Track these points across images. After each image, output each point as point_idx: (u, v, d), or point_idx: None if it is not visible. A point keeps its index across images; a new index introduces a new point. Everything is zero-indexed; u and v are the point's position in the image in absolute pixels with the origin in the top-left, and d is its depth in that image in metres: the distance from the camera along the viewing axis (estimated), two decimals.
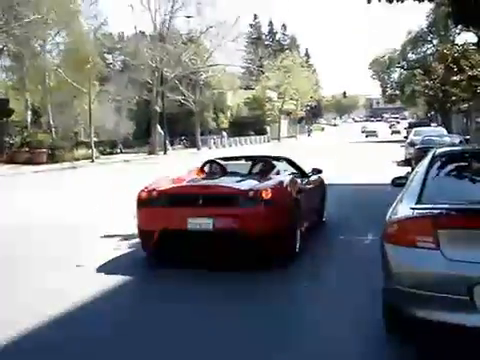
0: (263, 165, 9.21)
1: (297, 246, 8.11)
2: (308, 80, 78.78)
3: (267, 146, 58.11)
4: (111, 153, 45.34)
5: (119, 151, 47.70)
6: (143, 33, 51.93)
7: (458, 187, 5.09)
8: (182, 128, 53.95)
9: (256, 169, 9.12)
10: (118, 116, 49.39)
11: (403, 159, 26.76)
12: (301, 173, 9.90)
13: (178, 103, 51.46)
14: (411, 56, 68.15)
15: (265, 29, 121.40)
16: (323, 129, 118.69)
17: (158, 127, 47.67)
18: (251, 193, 7.51)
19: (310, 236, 9.09)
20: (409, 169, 21.67)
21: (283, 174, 9.05)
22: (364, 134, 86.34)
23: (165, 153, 46.35)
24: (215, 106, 61.54)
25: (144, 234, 7.98)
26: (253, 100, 71.58)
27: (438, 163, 5.53)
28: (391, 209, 4.99)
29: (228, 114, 67.06)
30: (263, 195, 7.47)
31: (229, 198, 7.57)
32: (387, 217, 4.88)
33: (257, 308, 6.02)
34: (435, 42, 64.04)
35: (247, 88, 72.69)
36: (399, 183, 6.56)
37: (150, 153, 45.55)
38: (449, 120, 59.19)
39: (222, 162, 9.60)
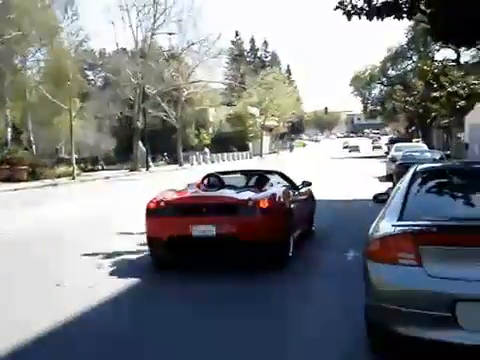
0: (258, 178, 9.94)
1: (290, 251, 8.91)
2: (290, 96, 79.28)
3: (251, 162, 58.16)
4: (92, 170, 45.09)
5: (100, 168, 47.46)
6: (124, 49, 52.04)
7: (439, 203, 5.10)
8: (164, 144, 53.84)
9: (252, 182, 9.97)
10: (99, 132, 49.22)
11: (385, 174, 26.95)
12: (292, 185, 10.66)
13: (160, 119, 51.48)
14: (391, 72, 68.78)
15: (247, 46, 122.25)
16: (305, 145, 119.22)
17: (140, 143, 47.57)
18: (250, 203, 8.28)
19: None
20: (391, 184, 21.85)
21: (277, 186, 9.72)
22: (346, 149, 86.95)
23: (147, 169, 46.20)
24: (197, 122, 61.56)
25: (153, 241, 8.66)
26: (235, 116, 71.71)
27: (419, 179, 5.55)
28: (373, 226, 4.98)
29: (210, 130, 67.09)
30: (261, 205, 8.27)
31: (230, 207, 8.37)
32: (369, 234, 4.87)
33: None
34: (415, 58, 64.72)
35: (229, 104, 72.88)
36: (381, 199, 6.59)
37: (132, 170, 45.39)
38: (430, 135, 59.79)
39: (220, 176, 10.26)
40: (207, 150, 59.98)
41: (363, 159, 54.17)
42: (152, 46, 50.28)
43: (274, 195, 8.78)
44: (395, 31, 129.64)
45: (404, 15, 15.26)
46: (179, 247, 8.45)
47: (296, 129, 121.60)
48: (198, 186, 9.88)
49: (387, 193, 6.71)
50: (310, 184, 11.56)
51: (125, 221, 13.83)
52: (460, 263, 4.15)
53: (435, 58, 55.92)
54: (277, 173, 11.10)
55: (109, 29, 47.84)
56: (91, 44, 64.46)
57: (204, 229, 8.20)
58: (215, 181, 9.98)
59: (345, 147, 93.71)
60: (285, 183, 10.58)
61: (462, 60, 45.82)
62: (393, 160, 24.43)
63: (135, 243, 10.53)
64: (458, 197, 5.29)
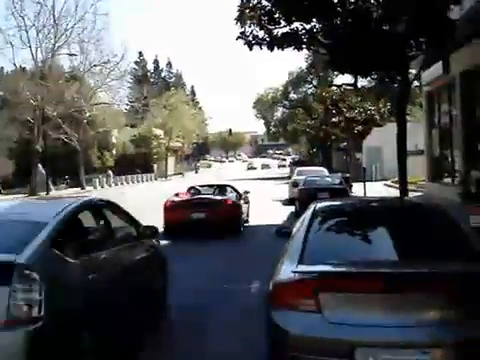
0: (220, 189, 18.83)
1: (242, 226, 16.99)
2: (194, 118, 79.59)
3: (154, 185, 57.59)
4: None
5: None
6: (23, 69, 50.28)
7: (338, 245, 5.19)
8: (66, 167, 52.27)
9: (217, 191, 18.50)
10: None
11: (287, 198, 27.50)
12: (238, 192, 18.77)
13: (61, 141, 50.02)
14: (293, 96, 70.59)
15: (151, 66, 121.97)
16: (210, 166, 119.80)
17: (40, 166, 45.97)
18: (222, 201, 16.54)
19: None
20: (293, 208, 22.32)
21: (231, 193, 18.48)
22: (250, 171, 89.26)
23: (47, 193, 44.65)
24: (100, 144, 60.39)
25: (169, 224, 16.03)
26: (139, 138, 71.04)
27: (318, 219, 5.67)
28: (275, 269, 5.01)
29: (113, 152, 66.04)
30: (227, 202, 16.55)
31: (211, 203, 16.31)
32: (271, 279, 4.88)
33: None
34: (315, 82, 66.85)
35: (133, 126, 72.14)
36: (284, 232, 6.65)
37: (31, 194, 43.71)
38: (330, 157, 61.74)
39: (198, 187, 19.09)
40: (110, 172, 58.91)
41: (265, 181, 54.73)
42: (53, 66, 48.97)
43: (232, 197, 17.49)
44: (296, 55, 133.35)
45: (303, 46, 15.74)
46: (184, 225, 15.64)
47: (201, 150, 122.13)
48: (188, 192, 18.39)
49: (288, 228, 6.78)
50: (249, 192, 20.04)
51: None
52: (358, 309, 4.24)
53: (334, 82, 58.09)
54: (229, 186, 19.63)
55: (7, 48, 46.36)
56: None
57: (198, 215, 15.88)
58: (196, 190, 18.61)
59: (249, 168, 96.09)
60: (234, 191, 18.82)
61: (359, 84, 47.95)
62: (295, 184, 24.95)
63: None
64: (356, 238, 5.45)
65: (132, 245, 6.91)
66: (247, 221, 18.58)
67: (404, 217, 5.74)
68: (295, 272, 4.51)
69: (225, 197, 17.02)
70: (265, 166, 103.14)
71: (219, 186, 19.24)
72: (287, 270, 4.64)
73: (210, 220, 15.55)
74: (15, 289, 4.30)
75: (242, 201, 17.72)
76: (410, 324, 4.13)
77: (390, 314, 4.19)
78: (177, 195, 17.60)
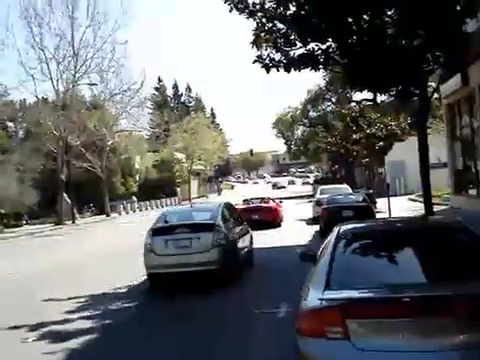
0: (263, 199, 29.19)
1: (281, 222, 27.63)
2: (215, 140, 79.96)
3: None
4: (16, 225, 43.66)
5: (24, 222, 46.05)
6: (46, 100, 51.00)
7: (364, 268, 5.16)
8: (90, 194, 52.77)
9: (262, 200, 28.62)
10: (22, 186, 47.89)
11: (311, 217, 27.44)
12: (275, 201, 29.23)
13: (85, 170, 50.54)
14: (312, 114, 70.61)
15: (170, 91, 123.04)
16: (233, 187, 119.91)
17: (65, 196, 46.49)
18: (269, 207, 27.41)
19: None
20: (317, 227, 22.27)
21: (272, 202, 28.68)
22: (274, 189, 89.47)
23: (73, 222, 45.09)
24: (123, 171, 60.95)
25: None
26: (161, 162, 71.55)
27: (343, 241, 5.66)
28: (302, 295, 5.01)
29: (137, 178, 66.54)
30: (272, 208, 27.53)
31: (264, 209, 26.81)
32: (300, 305, 4.88)
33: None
34: (334, 100, 66.80)
35: (155, 151, 72.72)
36: (309, 255, 6.65)
37: (57, 224, 44.16)
38: (352, 173, 61.48)
39: (249, 200, 28.98)
40: (134, 198, 59.30)
41: (288, 200, 54.51)
42: (74, 97, 49.67)
43: (273, 205, 27.93)
44: (314, 73, 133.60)
45: (320, 66, 15.77)
46: (250, 222, 17.77)
47: (223, 172, 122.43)
48: (244, 203, 28.12)
49: (313, 252, 6.76)
50: (282, 200, 31.69)
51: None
52: (386, 335, 4.22)
53: (353, 98, 57.92)
54: (269, 197, 29.66)
55: (29, 80, 47.14)
56: (11, 95, 63.08)
57: (256, 216, 24.56)
58: (249, 201, 28.39)
59: (277, 187, 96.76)
60: (272, 201, 28.70)
61: (378, 99, 47.54)
62: (319, 203, 24.92)
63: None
64: (381, 261, 5.42)
65: (242, 223, 15.25)
66: (282, 220, 27.90)
67: (428, 238, 5.69)
68: (321, 299, 4.50)
69: (269, 205, 27.62)
70: (291, 182, 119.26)
71: (263, 198, 29.55)
72: (314, 297, 4.63)
73: (262, 219, 25.05)
74: (213, 234, 12.14)
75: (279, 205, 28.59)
76: (439, 349, 4.09)
77: (419, 339, 4.15)
78: (243, 203, 27.96)
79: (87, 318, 10.05)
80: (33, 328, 9.37)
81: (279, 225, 26.39)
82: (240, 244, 13.52)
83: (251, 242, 15.37)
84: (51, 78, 46.98)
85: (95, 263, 18.73)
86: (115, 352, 7.95)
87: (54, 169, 46.97)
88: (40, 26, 46.12)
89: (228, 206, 14.47)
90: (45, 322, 9.71)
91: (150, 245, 12.28)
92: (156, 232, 12.46)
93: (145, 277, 12.77)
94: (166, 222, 13.24)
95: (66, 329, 9.24)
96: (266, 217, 25.51)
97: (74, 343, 8.39)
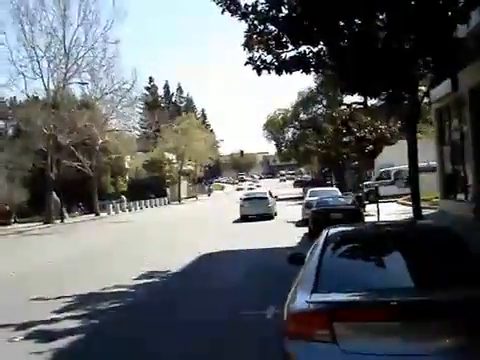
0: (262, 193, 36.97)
1: (274, 215, 33.87)
2: (205, 141, 79.89)
3: (170, 209, 57.57)
4: (5, 224, 43.41)
5: (13, 221, 45.82)
6: (36, 98, 50.76)
7: (352, 272, 5.18)
8: (80, 193, 52.45)
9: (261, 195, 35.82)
10: (11, 184, 47.67)
11: (301, 219, 27.47)
12: (272, 196, 36.20)
13: (74, 169, 50.31)
14: (303, 116, 70.53)
15: (161, 91, 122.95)
16: (223, 188, 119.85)
17: (54, 194, 46.26)
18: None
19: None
20: (306, 229, 22.31)
21: (270, 197, 35.39)
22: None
23: (62, 221, 44.91)
24: (113, 170, 60.71)
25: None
26: (152, 162, 71.39)
27: (331, 245, 5.69)
28: (289, 296, 5.03)
29: (126, 177, 66.35)
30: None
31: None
32: (285, 306, 4.91)
33: None
34: (325, 102, 66.81)
35: (145, 151, 72.54)
36: (297, 258, 6.66)
37: (46, 222, 43.96)
38: (342, 176, 61.53)
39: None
40: (124, 198, 59.13)
41: (279, 201, 54.46)
42: (65, 95, 49.47)
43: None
44: (305, 76, 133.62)
45: (311, 69, 15.80)
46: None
47: (213, 172, 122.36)
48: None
49: (301, 254, 6.78)
50: (276, 196, 39.86)
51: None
52: (374, 338, 4.24)
53: (343, 101, 58.01)
54: (267, 192, 36.27)
55: (19, 79, 46.76)
56: (1, 93, 62.67)
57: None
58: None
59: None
60: (270, 195, 35.53)
61: (369, 103, 47.75)
62: (308, 206, 24.99)
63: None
64: (369, 265, 5.45)
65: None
66: (276, 214, 33.46)
67: (416, 242, 5.74)
68: (309, 302, 4.51)
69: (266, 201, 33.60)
70: (283, 180, 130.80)
71: (261, 193, 36.54)
72: (301, 300, 4.63)
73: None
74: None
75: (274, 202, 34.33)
76: (426, 353, 4.12)
77: (406, 343, 4.18)
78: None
79: (74, 318, 10.02)
80: (20, 327, 9.34)
81: (271, 218, 32.37)
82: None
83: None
84: (42, 76, 46.84)
85: (83, 262, 18.69)
86: (101, 352, 7.94)
87: (44, 168, 46.71)
88: (32, 24, 45.94)
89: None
90: (32, 321, 9.68)
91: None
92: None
93: (133, 277, 12.78)
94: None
95: (54, 329, 9.21)
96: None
97: (61, 343, 8.37)
